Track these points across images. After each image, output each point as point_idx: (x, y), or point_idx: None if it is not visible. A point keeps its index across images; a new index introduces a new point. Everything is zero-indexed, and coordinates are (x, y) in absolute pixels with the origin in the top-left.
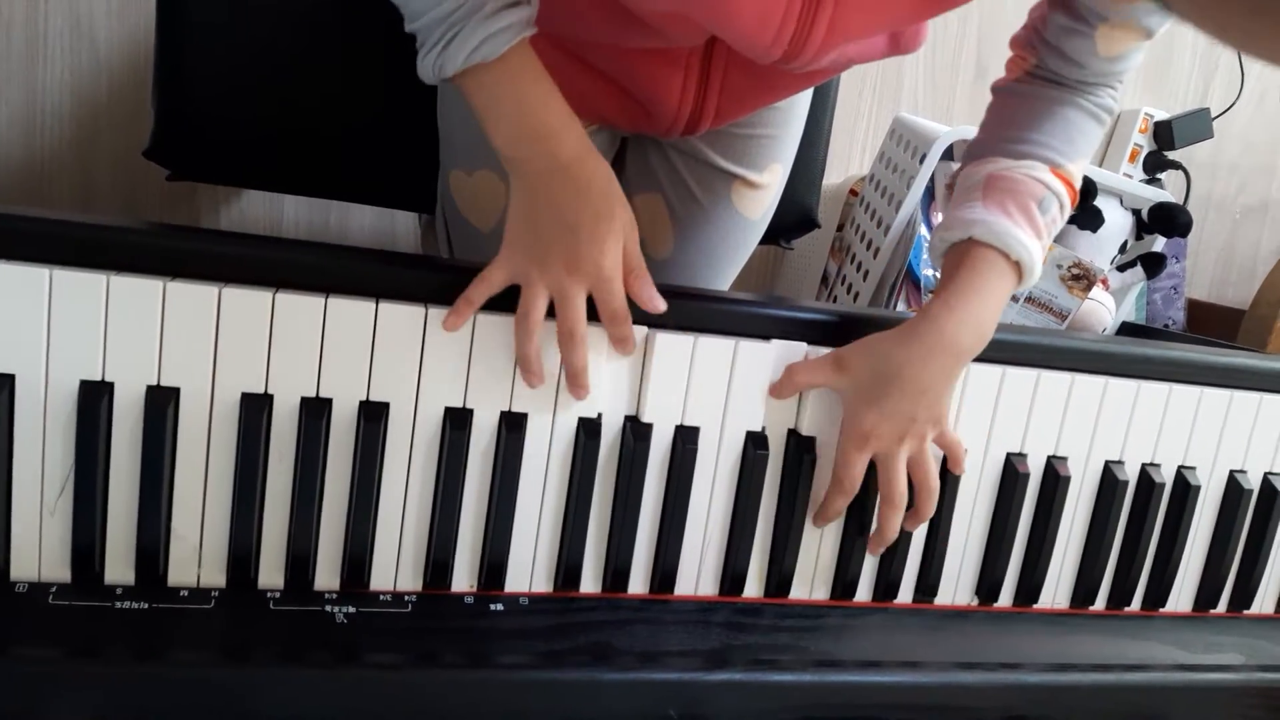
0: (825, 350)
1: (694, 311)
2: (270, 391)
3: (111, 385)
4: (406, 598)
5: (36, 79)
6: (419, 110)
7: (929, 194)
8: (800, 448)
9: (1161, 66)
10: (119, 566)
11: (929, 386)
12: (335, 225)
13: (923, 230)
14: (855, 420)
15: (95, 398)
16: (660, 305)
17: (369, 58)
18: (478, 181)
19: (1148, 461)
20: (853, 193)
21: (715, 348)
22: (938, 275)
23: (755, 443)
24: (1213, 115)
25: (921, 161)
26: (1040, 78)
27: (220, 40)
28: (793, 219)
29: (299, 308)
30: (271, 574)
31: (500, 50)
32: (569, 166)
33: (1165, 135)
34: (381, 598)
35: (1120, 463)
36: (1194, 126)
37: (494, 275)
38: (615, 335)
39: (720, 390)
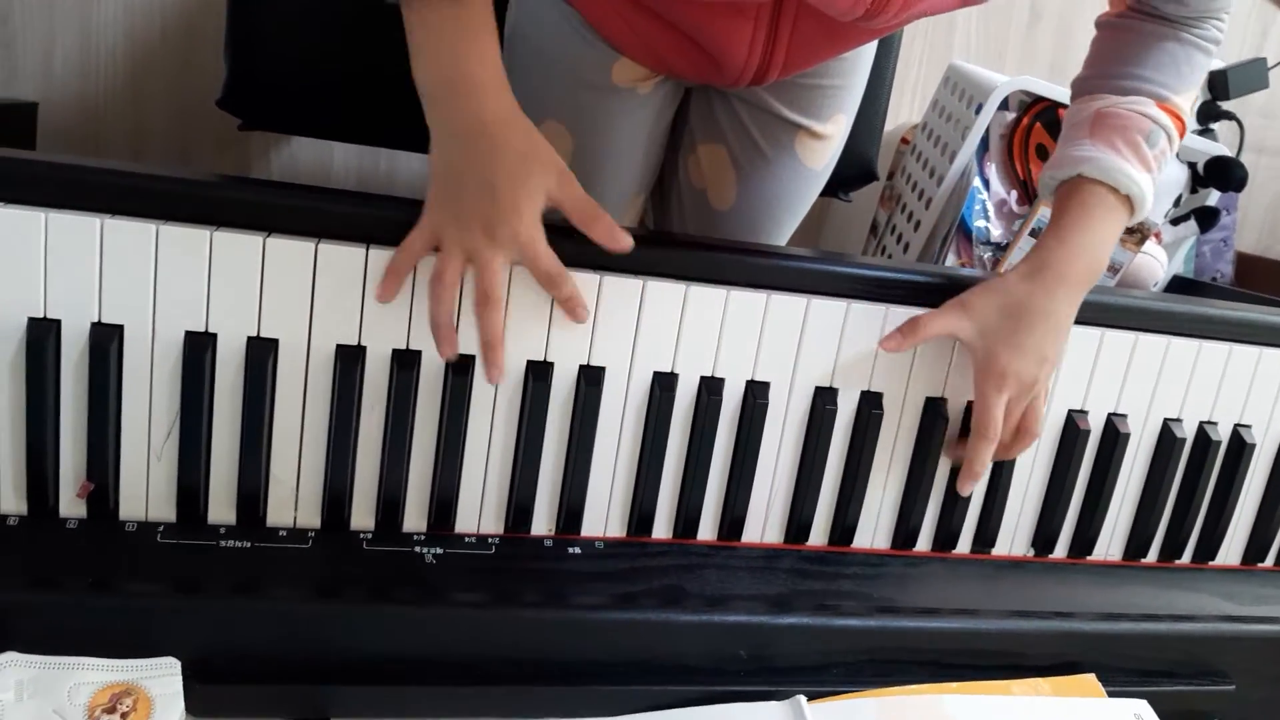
0: (903, 310)
1: (765, 270)
2: (363, 343)
3: (215, 336)
4: (490, 540)
5: (91, 18)
6: None
7: (984, 145)
8: (869, 404)
9: None
10: (221, 507)
11: (1055, 318)
12: (384, 171)
13: (976, 182)
14: (991, 362)
15: (200, 349)
16: (626, 244)
17: None
18: (544, 132)
19: (1205, 419)
20: (904, 140)
21: (787, 305)
22: (1042, 215)
23: (824, 398)
24: (1269, 65)
25: (977, 112)
26: (1143, 12)
27: None
28: (852, 171)
29: None
30: (363, 516)
31: None
32: (489, 125)
33: (1220, 84)
34: (466, 539)
35: (1179, 420)
36: (1250, 76)
37: (415, 241)
38: (559, 298)
39: (791, 347)
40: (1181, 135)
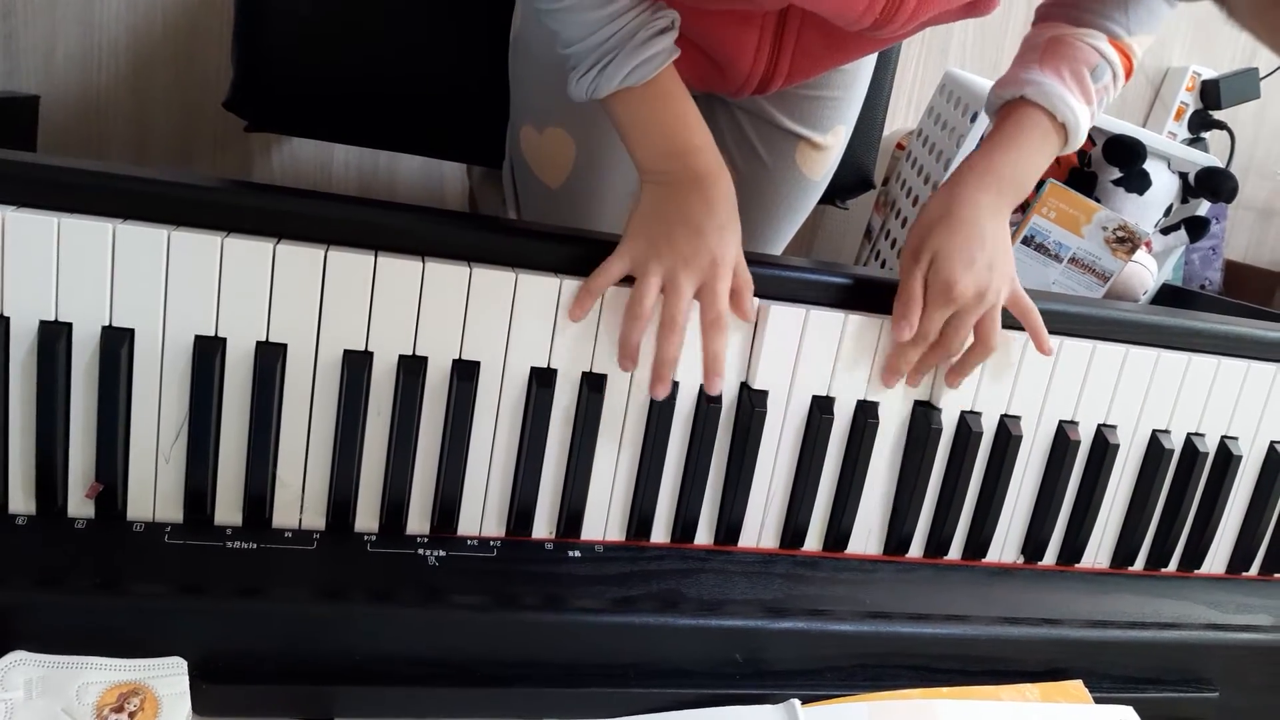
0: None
1: (765, 280)
2: (370, 349)
3: (224, 341)
4: (492, 543)
5: (93, 14)
6: (494, 66)
7: None
8: (864, 412)
9: (1210, 24)
10: (228, 509)
11: (978, 225)
12: (384, 170)
13: None
14: (939, 277)
15: (209, 353)
16: (751, 317)
17: (448, 12)
18: (547, 139)
19: (1193, 431)
20: (899, 146)
21: (786, 315)
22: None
23: (821, 407)
24: (1261, 75)
25: (973, 120)
26: None
27: None
28: (850, 179)
29: (398, 270)
30: (368, 518)
31: (650, 75)
32: (703, 180)
33: (1212, 94)
34: (469, 542)
35: (1167, 432)
36: (1241, 86)
37: (613, 265)
38: (712, 341)
39: (789, 356)
40: (1129, 75)
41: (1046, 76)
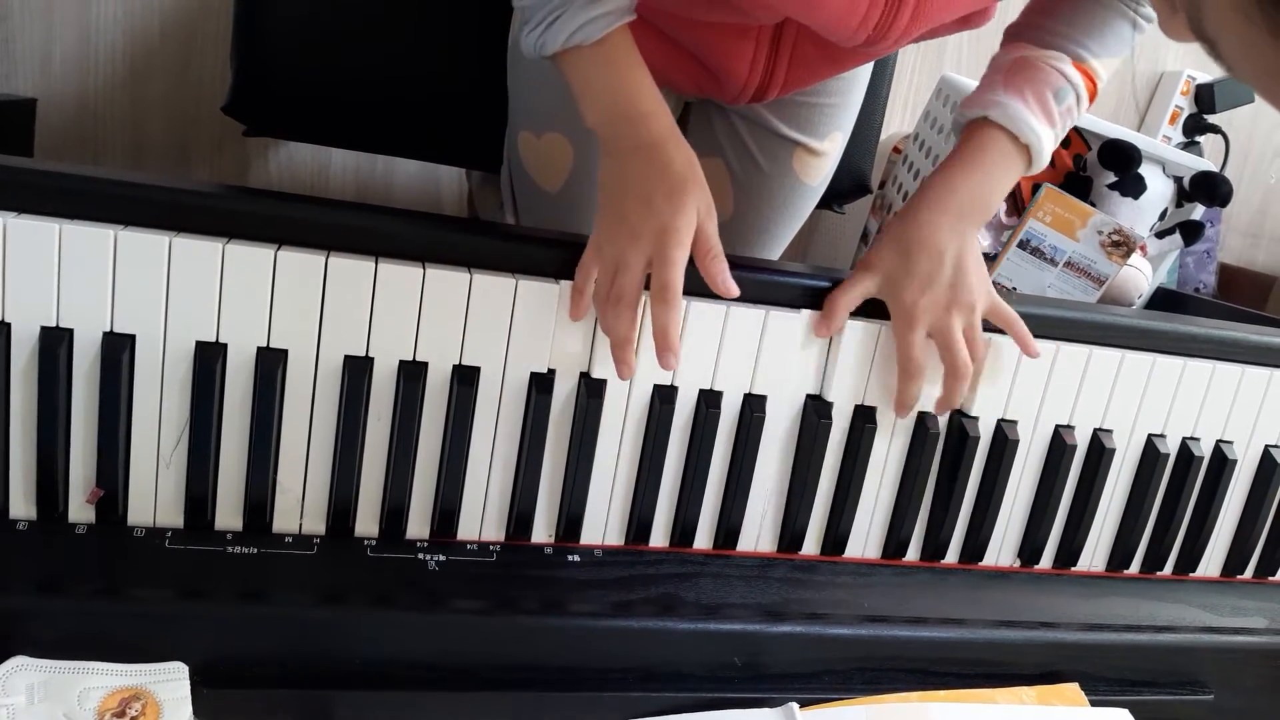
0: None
1: (762, 285)
2: (371, 355)
3: (225, 347)
4: (491, 547)
5: (91, 17)
6: (492, 71)
7: None
8: (862, 417)
9: None
10: (228, 514)
11: (945, 247)
12: (381, 173)
13: None
14: (897, 301)
15: (211, 359)
16: (734, 290)
17: (447, 18)
18: (546, 144)
19: (1188, 435)
20: (896, 150)
21: (785, 321)
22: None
23: (819, 412)
24: None
25: None
26: None
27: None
28: (847, 184)
29: (399, 276)
30: (368, 523)
31: (597, 35)
32: (652, 147)
33: (1207, 98)
34: (468, 547)
35: (1162, 436)
36: (1236, 90)
37: (585, 257)
38: (656, 314)
39: (788, 361)
40: (1093, 98)
41: (1010, 98)
